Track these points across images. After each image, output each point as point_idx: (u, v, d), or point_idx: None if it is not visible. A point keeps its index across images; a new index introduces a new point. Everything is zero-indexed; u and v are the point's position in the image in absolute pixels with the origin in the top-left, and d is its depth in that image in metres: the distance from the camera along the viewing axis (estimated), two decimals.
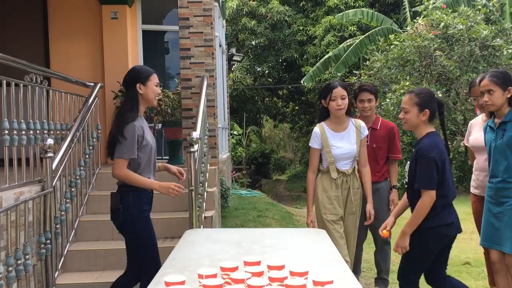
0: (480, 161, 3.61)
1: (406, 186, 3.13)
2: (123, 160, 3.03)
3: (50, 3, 6.93)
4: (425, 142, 2.91)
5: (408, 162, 3.11)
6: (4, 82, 3.47)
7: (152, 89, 3.15)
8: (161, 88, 6.45)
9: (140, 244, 3.20)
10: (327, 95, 3.50)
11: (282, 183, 22.64)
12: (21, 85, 3.75)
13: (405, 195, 3.15)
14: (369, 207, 3.65)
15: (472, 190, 3.73)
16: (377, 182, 3.93)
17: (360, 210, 3.73)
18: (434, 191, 2.83)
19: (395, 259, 4.41)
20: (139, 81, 3.12)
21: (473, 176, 3.73)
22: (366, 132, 3.64)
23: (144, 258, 3.20)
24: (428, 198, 2.84)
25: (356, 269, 4.16)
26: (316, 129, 3.61)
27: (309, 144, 3.63)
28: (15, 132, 3.50)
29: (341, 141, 3.53)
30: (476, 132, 3.65)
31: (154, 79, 3.17)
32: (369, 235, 4.21)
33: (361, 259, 4.23)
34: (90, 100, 4.99)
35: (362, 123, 3.64)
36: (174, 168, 3.46)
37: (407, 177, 3.10)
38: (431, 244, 2.95)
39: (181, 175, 3.42)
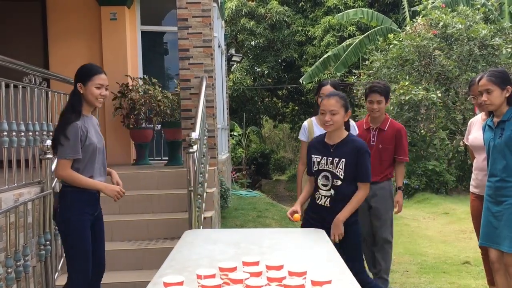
0: (479, 160, 3.61)
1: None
2: (66, 160, 2.94)
3: (49, 4, 6.94)
4: (359, 140, 3.18)
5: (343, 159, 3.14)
6: (3, 83, 3.47)
7: (91, 90, 3.00)
8: (160, 89, 6.50)
9: (67, 250, 3.04)
10: (317, 92, 3.67)
11: (282, 183, 22.62)
12: (20, 86, 3.75)
13: (308, 185, 3.30)
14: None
15: (472, 189, 3.73)
16: (379, 182, 3.92)
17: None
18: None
19: (395, 258, 4.41)
20: (80, 80, 3.02)
21: (472, 175, 3.73)
22: (356, 131, 3.63)
23: (71, 268, 3.02)
24: (367, 190, 3.13)
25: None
26: (305, 122, 3.77)
27: (299, 137, 3.75)
28: (14, 133, 3.50)
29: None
30: (476, 131, 3.65)
31: (97, 79, 3.01)
32: None
33: (364, 258, 4.18)
34: None
35: (352, 123, 3.58)
36: (115, 179, 3.30)
37: (341, 171, 3.06)
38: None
39: (119, 193, 3.21)
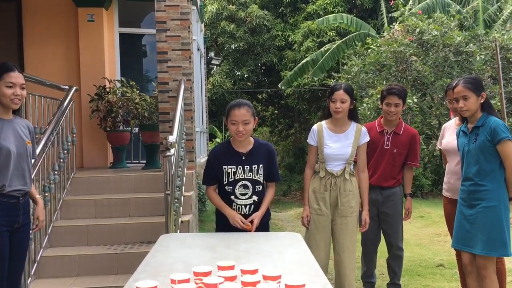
0: (452, 164, 3.68)
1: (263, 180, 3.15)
2: None
3: (24, 5, 6.82)
4: (266, 143, 3.33)
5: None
6: None
7: (2, 91, 2.78)
8: (138, 92, 6.45)
9: None
10: (329, 96, 3.48)
11: None
12: None
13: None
14: (364, 215, 3.61)
15: (444, 192, 3.80)
16: (391, 187, 3.94)
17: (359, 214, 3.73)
18: None
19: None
20: None
21: (445, 179, 3.80)
22: (367, 138, 3.55)
23: None
24: (275, 187, 3.27)
25: (373, 274, 4.15)
26: (315, 126, 3.61)
27: (307, 141, 3.60)
28: None
29: (336, 142, 3.47)
30: (449, 136, 3.72)
31: (7, 78, 2.79)
32: None
33: (376, 263, 4.17)
34: (65, 104, 4.93)
35: (364, 129, 3.57)
36: (39, 210, 3.07)
37: (261, 176, 3.09)
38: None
39: (34, 223, 3.06)
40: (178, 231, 4.25)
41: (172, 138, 4.09)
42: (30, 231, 3.12)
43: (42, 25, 6.75)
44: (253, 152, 3.08)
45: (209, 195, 3.20)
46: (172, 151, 4.03)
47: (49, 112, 5.02)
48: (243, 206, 3.08)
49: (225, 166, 3.05)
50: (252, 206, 3.09)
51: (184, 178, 5.05)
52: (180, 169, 4.71)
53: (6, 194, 2.79)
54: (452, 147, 3.57)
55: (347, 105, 3.42)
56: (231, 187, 3.06)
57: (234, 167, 3.04)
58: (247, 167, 3.05)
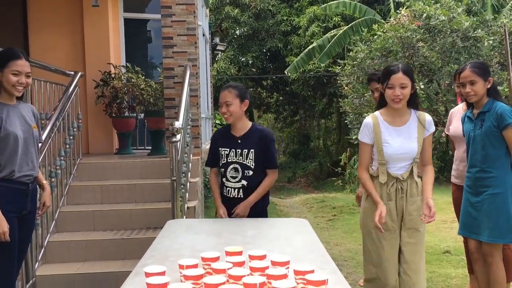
0: (460, 151, 3.65)
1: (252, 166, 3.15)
2: None
3: None
4: (265, 129, 3.30)
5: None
6: None
7: (6, 77, 2.74)
8: (143, 77, 6.41)
9: None
10: (384, 81, 2.87)
11: None
12: None
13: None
14: (430, 202, 2.79)
15: (453, 179, 3.77)
16: None
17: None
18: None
19: None
20: None
21: (453, 166, 3.77)
22: (432, 128, 2.93)
23: None
24: (276, 175, 3.23)
25: None
26: (368, 119, 2.93)
27: (358, 137, 2.99)
28: None
29: (398, 137, 2.85)
30: (457, 121, 3.68)
31: (13, 65, 2.75)
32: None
33: None
34: (70, 89, 4.91)
35: (428, 117, 2.95)
36: (46, 195, 3.07)
37: (252, 162, 3.12)
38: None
39: (40, 209, 3.06)
40: (184, 217, 4.26)
41: (178, 124, 4.08)
42: (36, 217, 3.12)
43: (47, 10, 6.71)
44: (247, 137, 3.14)
45: (210, 178, 3.34)
46: (178, 137, 4.02)
47: (55, 97, 5.00)
48: (232, 189, 3.14)
49: (221, 148, 3.17)
50: (241, 190, 3.12)
51: (190, 164, 5.04)
52: (186, 155, 4.70)
53: (15, 180, 2.78)
54: (460, 133, 3.54)
55: (408, 91, 2.82)
56: (223, 170, 3.16)
57: (228, 149, 3.14)
58: (239, 151, 3.12)
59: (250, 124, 3.19)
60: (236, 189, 3.13)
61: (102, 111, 6.41)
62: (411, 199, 2.87)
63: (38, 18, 6.73)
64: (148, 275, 1.72)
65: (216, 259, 1.88)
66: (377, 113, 2.96)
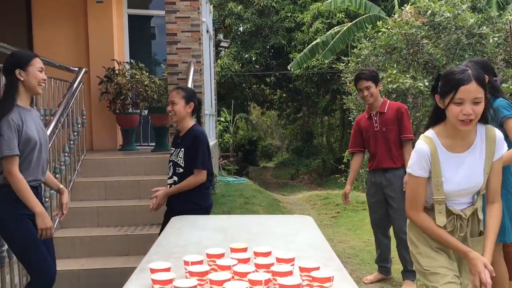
0: None
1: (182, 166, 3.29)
2: (7, 159, 2.65)
3: None
4: (198, 130, 3.36)
5: None
6: None
7: (34, 74, 2.78)
8: (147, 74, 6.41)
9: (18, 254, 2.82)
10: (447, 93, 2.08)
11: (269, 170, 22.70)
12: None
13: None
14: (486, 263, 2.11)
15: None
16: (395, 169, 3.91)
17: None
18: (206, 171, 3.31)
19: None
20: (19, 66, 2.77)
21: None
22: (504, 149, 2.23)
23: (29, 271, 2.83)
24: (202, 176, 3.29)
25: (387, 258, 4.14)
26: (423, 145, 2.19)
27: (408, 170, 2.24)
28: None
29: (460, 168, 2.17)
30: None
31: (36, 63, 2.80)
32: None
33: (390, 248, 4.15)
34: (75, 85, 4.92)
35: (499, 134, 2.22)
36: (64, 198, 3.07)
37: (181, 160, 3.29)
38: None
39: (61, 210, 3.06)
40: None
41: None
42: (57, 219, 3.20)
43: (50, 6, 6.71)
44: (185, 136, 3.36)
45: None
46: None
47: (59, 93, 5.01)
48: (168, 185, 3.40)
49: (172, 148, 3.47)
50: (172, 186, 3.35)
51: None
52: None
53: (29, 185, 2.74)
54: None
55: (482, 107, 2.07)
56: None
57: (173, 148, 3.42)
58: (177, 150, 3.36)
59: (191, 125, 3.37)
60: (169, 185, 3.37)
61: (106, 107, 6.42)
62: (472, 241, 2.23)
63: (42, 14, 6.74)
64: (153, 271, 1.72)
65: (221, 255, 1.88)
66: (431, 133, 2.20)
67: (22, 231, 2.72)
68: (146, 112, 6.59)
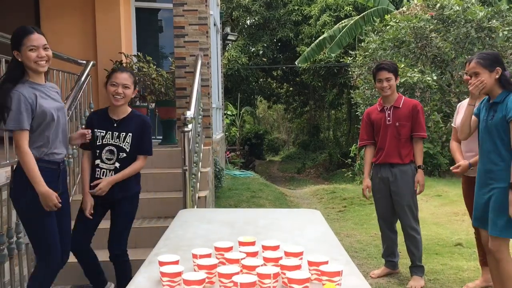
0: (466, 142, 3.58)
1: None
2: (16, 133, 2.64)
3: None
4: (143, 115, 3.35)
5: None
6: (3, 60, 3.42)
7: (26, 55, 2.66)
8: (155, 67, 6.41)
9: (29, 237, 2.83)
10: None
11: (276, 164, 22.70)
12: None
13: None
14: None
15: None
16: (402, 165, 3.88)
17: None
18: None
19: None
20: (15, 47, 2.70)
21: None
22: None
23: (36, 256, 2.85)
24: (145, 162, 3.28)
25: (394, 253, 4.12)
26: None
27: None
28: None
29: None
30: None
31: (28, 42, 2.66)
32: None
33: (397, 242, 4.13)
34: (83, 78, 4.92)
35: None
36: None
37: (128, 145, 3.20)
38: (136, 207, 3.39)
39: (83, 135, 3.07)
40: (195, 206, 4.27)
41: (189, 114, 4.08)
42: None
43: None
44: (125, 120, 3.22)
45: (82, 162, 3.33)
46: (190, 126, 4.02)
47: (67, 86, 5.02)
48: (107, 171, 3.20)
49: (97, 130, 3.21)
50: (113, 172, 3.19)
51: (201, 154, 5.04)
52: (197, 145, 4.70)
53: (48, 160, 2.76)
54: None
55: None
56: (98, 151, 3.21)
57: (104, 131, 3.20)
58: (115, 133, 3.19)
59: (129, 109, 3.29)
60: (111, 171, 3.20)
61: None
62: None
63: (49, 6, 6.74)
64: (162, 264, 1.72)
65: (229, 249, 1.88)
66: None
67: (29, 202, 2.70)
68: (153, 105, 6.59)
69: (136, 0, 7.20)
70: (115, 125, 3.21)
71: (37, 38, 2.69)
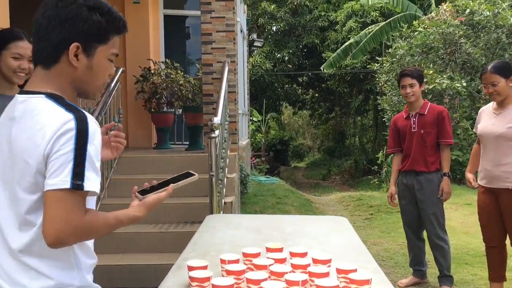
0: (487, 150, 3.43)
1: None
2: None
3: None
4: None
5: None
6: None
7: (5, 61, 2.28)
8: (182, 73, 6.49)
9: None
10: None
11: (301, 170, 22.60)
12: None
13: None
14: None
15: (479, 180, 3.51)
16: (427, 173, 3.84)
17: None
18: None
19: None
20: None
21: (480, 166, 3.52)
22: None
23: None
24: None
25: (422, 262, 4.08)
26: None
27: None
28: None
29: None
30: (485, 120, 3.47)
31: (13, 48, 2.29)
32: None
33: (424, 250, 4.07)
34: (112, 85, 5.03)
35: None
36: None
37: None
38: None
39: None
40: (221, 212, 4.29)
41: (217, 120, 4.11)
42: None
43: None
44: None
45: None
46: (217, 132, 4.06)
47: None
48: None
49: None
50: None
51: (227, 160, 5.07)
52: (223, 150, 4.74)
53: None
54: (488, 131, 3.37)
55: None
56: None
57: None
58: None
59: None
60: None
61: (141, 106, 6.53)
62: None
63: None
64: (191, 268, 1.74)
65: (257, 255, 1.88)
66: None
67: None
68: (180, 111, 6.68)
69: (164, 8, 7.32)
70: None
71: (25, 47, 2.30)
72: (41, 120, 1.28)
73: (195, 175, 1.63)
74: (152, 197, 1.60)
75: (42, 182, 1.26)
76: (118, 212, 1.45)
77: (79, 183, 1.24)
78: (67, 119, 1.27)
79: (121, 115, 5.40)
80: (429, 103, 4.01)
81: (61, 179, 1.23)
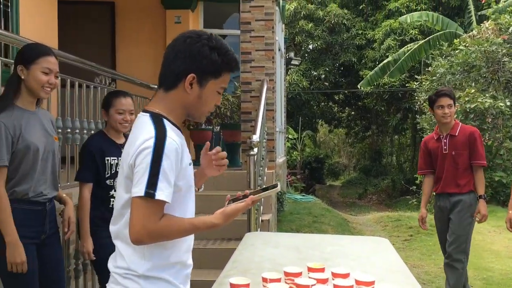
0: None
1: None
2: None
3: (117, 8, 7.22)
4: None
5: None
6: (76, 83, 3.65)
7: (35, 76, 2.32)
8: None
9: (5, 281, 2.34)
10: None
11: (336, 189, 22.34)
12: (92, 86, 3.92)
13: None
14: None
15: None
16: (459, 194, 3.75)
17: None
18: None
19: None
20: (22, 62, 2.34)
21: None
22: None
23: None
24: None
25: (465, 286, 3.94)
26: None
27: None
28: (85, 131, 3.66)
29: None
30: None
31: (43, 62, 2.33)
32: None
33: (466, 273, 3.92)
34: None
35: None
36: (66, 215, 2.58)
37: None
38: None
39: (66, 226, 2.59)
40: (259, 229, 4.29)
41: (255, 138, 4.15)
42: (63, 237, 2.73)
43: (133, 27, 7.11)
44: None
45: (84, 197, 2.81)
46: (255, 150, 4.08)
47: (139, 110, 5.26)
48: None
49: (108, 158, 2.85)
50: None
51: (265, 178, 5.08)
52: (261, 168, 4.75)
53: (31, 200, 2.35)
54: None
55: None
56: (112, 180, 2.84)
57: (116, 158, 2.84)
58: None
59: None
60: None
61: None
62: None
63: (125, 33, 7.15)
64: (233, 286, 1.75)
65: (299, 274, 1.88)
66: None
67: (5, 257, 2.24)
68: (218, 128, 6.75)
69: (204, 27, 7.48)
70: (121, 150, 2.83)
71: (54, 62, 2.38)
72: (137, 134, 1.55)
73: (277, 186, 1.73)
74: (231, 206, 1.72)
75: (130, 185, 1.52)
76: (195, 219, 1.69)
77: (151, 192, 1.46)
78: (149, 137, 1.51)
79: None
80: (460, 123, 3.93)
81: (139, 188, 1.47)
